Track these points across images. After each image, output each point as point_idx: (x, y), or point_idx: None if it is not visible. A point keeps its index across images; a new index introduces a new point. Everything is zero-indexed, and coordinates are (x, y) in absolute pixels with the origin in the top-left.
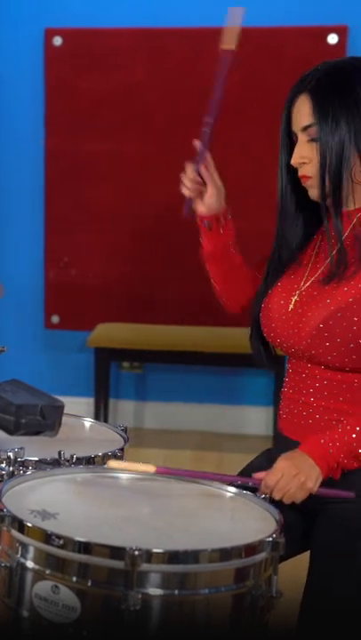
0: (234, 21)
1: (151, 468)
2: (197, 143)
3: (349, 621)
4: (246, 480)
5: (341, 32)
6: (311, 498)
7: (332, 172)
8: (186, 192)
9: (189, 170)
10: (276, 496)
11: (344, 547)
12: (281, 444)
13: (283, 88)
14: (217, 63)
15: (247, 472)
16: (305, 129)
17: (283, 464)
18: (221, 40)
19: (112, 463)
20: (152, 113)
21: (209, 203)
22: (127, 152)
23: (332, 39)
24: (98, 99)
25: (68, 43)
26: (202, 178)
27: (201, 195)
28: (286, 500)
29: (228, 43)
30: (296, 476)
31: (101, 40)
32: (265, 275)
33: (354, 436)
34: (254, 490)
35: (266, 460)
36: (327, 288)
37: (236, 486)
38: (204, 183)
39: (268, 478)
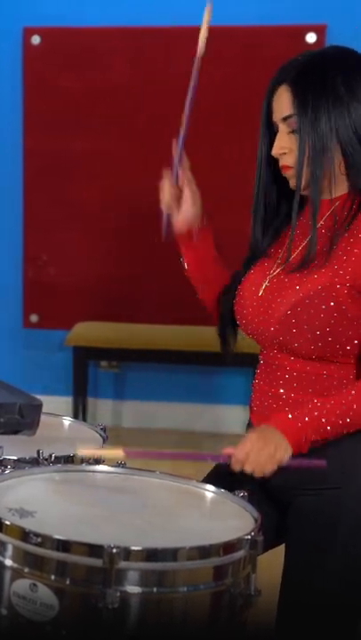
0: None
1: (120, 453)
2: (175, 149)
3: (327, 614)
4: (217, 457)
5: (320, 31)
6: (282, 489)
7: (311, 162)
8: (165, 207)
9: (167, 182)
10: (248, 469)
11: (318, 539)
12: None
13: (261, 87)
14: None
15: (222, 466)
16: (285, 119)
17: (252, 437)
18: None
19: (81, 451)
20: (131, 112)
21: (187, 214)
22: (106, 151)
23: (311, 38)
24: (76, 98)
25: (47, 42)
26: (179, 186)
27: (178, 206)
28: (257, 474)
29: (199, 47)
30: (265, 447)
31: (80, 39)
32: (242, 265)
33: (325, 412)
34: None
35: None
36: (297, 275)
37: (215, 471)
38: (180, 194)
39: (238, 452)
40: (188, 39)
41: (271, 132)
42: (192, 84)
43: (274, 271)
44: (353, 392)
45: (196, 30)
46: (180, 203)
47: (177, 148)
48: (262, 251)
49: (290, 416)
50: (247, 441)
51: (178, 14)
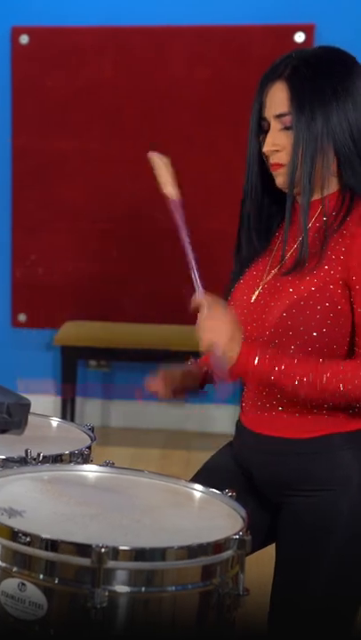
0: (160, 167)
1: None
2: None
3: (319, 618)
4: (197, 283)
5: (308, 30)
6: (274, 490)
7: (305, 161)
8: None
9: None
10: (200, 321)
11: (311, 542)
12: (242, 435)
13: (249, 87)
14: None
15: (210, 465)
16: (279, 117)
17: (230, 314)
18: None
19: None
20: (119, 111)
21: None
22: (94, 150)
23: (299, 37)
24: (65, 97)
25: (35, 41)
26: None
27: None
28: (198, 331)
29: (170, 190)
30: (227, 328)
31: (68, 38)
32: (232, 271)
33: (293, 365)
34: None
35: (228, 453)
36: (290, 279)
37: (204, 470)
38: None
39: (211, 311)
40: (176, 38)
41: (261, 128)
42: (182, 231)
43: (266, 276)
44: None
45: (184, 30)
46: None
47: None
48: (255, 252)
49: (257, 357)
50: (219, 317)
51: (165, 14)
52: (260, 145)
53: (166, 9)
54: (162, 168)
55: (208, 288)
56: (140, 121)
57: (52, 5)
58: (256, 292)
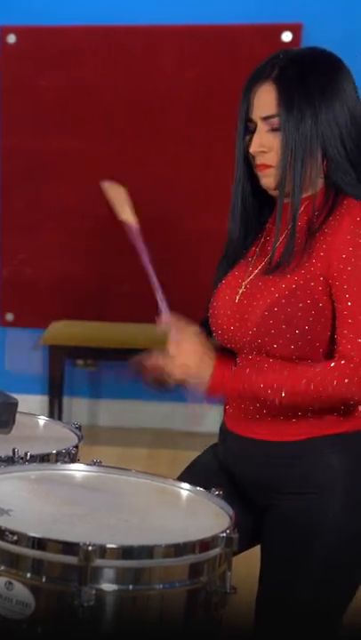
0: (116, 196)
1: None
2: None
3: (307, 622)
4: (163, 303)
5: (296, 30)
6: (261, 493)
7: (295, 162)
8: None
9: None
10: (167, 357)
11: (298, 547)
12: (227, 439)
13: (237, 86)
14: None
15: (194, 468)
16: (267, 118)
17: (193, 341)
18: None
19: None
20: (108, 111)
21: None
22: (83, 150)
23: (287, 37)
24: (53, 97)
25: (23, 41)
26: None
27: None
28: (167, 367)
29: (129, 217)
30: (194, 356)
31: (56, 38)
32: (216, 274)
33: (261, 376)
34: None
35: (213, 455)
36: (272, 278)
37: (191, 469)
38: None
39: (178, 335)
40: (165, 38)
41: (247, 129)
42: (144, 256)
43: (249, 276)
44: (307, 367)
45: (172, 29)
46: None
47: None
48: (242, 250)
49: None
50: (187, 340)
51: (154, 13)
52: (246, 146)
53: (155, 9)
54: (117, 196)
55: (194, 283)
56: (129, 120)
57: (40, 5)
58: (239, 292)
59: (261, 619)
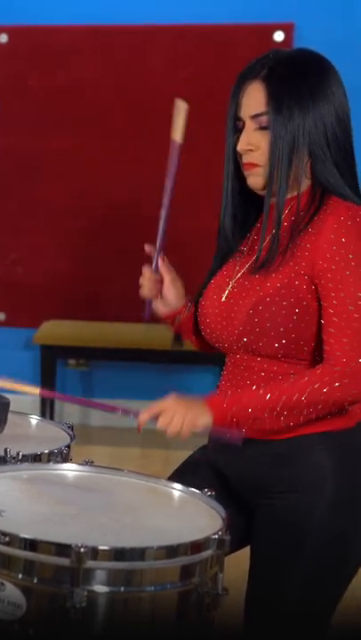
0: (180, 114)
1: (35, 390)
2: (150, 247)
3: (293, 621)
4: (128, 411)
5: (288, 29)
6: (251, 492)
7: (282, 161)
8: (145, 293)
9: (147, 271)
10: (161, 423)
11: (287, 545)
12: (215, 439)
13: (229, 86)
14: (165, 71)
15: (185, 468)
16: (255, 117)
17: (172, 397)
18: (172, 129)
19: None
20: (100, 111)
21: (169, 299)
22: (75, 150)
23: (279, 37)
24: (46, 97)
25: (14, 40)
26: (160, 273)
27: (160, 293)
28: (170, 432)
29: (176, 134)
30: (186, 411)
31: (49, 38)
32: (210, 271)
33: (256, 397)
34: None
35: (203, 456)
36: (258, 277)
37: (183, 470)
38: (161, 280)
39: (154, 406)
40: (158, 37)
41: (236, 127)
42: (171, 169)
43: (236, 276)
44: (295, 381)
45: (164, 29)
46: (161, 289)
47: (158, 237)
48: (231, 248)
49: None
50: (166, 400)
51: (146, 13)
52: (235, 144)
53: (147, 8)
54: (179, 114)
55: (188, 284)
56: (121, 120)
57: (33, 4)
58: (226, 292)
59: (251, 618)
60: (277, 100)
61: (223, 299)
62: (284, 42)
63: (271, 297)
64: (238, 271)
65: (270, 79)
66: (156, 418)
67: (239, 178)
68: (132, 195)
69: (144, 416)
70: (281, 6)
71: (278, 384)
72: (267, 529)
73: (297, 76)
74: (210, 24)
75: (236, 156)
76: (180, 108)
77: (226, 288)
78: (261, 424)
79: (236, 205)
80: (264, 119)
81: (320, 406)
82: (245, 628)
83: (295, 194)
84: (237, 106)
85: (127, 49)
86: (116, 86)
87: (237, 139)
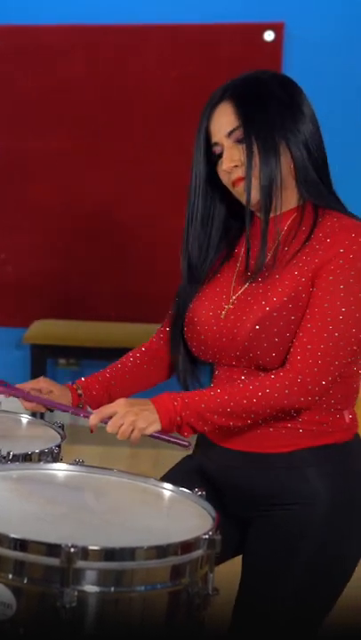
0: None
1: None
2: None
3: (286, 627)
4: (78, 411)
5: (278, 29)
6: (244, 506)
7: (261, 169)
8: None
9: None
10: (109, 429)
11: (280, 557)
12: (208, 451)
13: (219, 85)
14: (154, 71)
15: (173, 478)
16: (230, 133)
17: (120, 402)
18: None
19: None
20: (89, 111)
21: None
22: (63, 149)
23: (269, 36)
24: (34, 96)
25: (2, 40)
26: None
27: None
28: (120, 436)
29: None
30: (129, 413)
31: (36, 37)
32: (179, 294)
33: (206, 398)
34: None
35: (193, 466)
36: (260, 291)
37: (174, 470)
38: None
39: (105, 408)
40: (145, 37)
41: (209, 157)
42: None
43: (234, 293)
44: (245, 385)
45: (153, 28)
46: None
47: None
48: (203, 272)
49: (170, 394)
50: (114, 404)
51: (134, 13)
52: (211, 171)
53: (136, 8)
54: None
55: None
56: (108, 121)
57: (19, 4)
58: (226, 308)
59: (239, 624)
60: (246, 112)
61: (222, 316)
62: (274, 41)
63: (278, 311)
64: (236, 288)
65: (235, 96)
66: (106, 421)
67: (222, 199)
68: (121, 194)
69: (94, 419)
70: (271, 6)
71: (231, 387)
72: (262, 541)
73: (260, 89)
74: (200, 23)
75: (213, 181)
76: None
77: (224, 305)
78: (210, 426)
79: (207, 232)
80: (239, 132)
81: (268, 411)
82: (232, 634)
83: (288, 209)
84: (209, 134)
85: (115, 49)
86: (105, 86)
87: (217, 164)
